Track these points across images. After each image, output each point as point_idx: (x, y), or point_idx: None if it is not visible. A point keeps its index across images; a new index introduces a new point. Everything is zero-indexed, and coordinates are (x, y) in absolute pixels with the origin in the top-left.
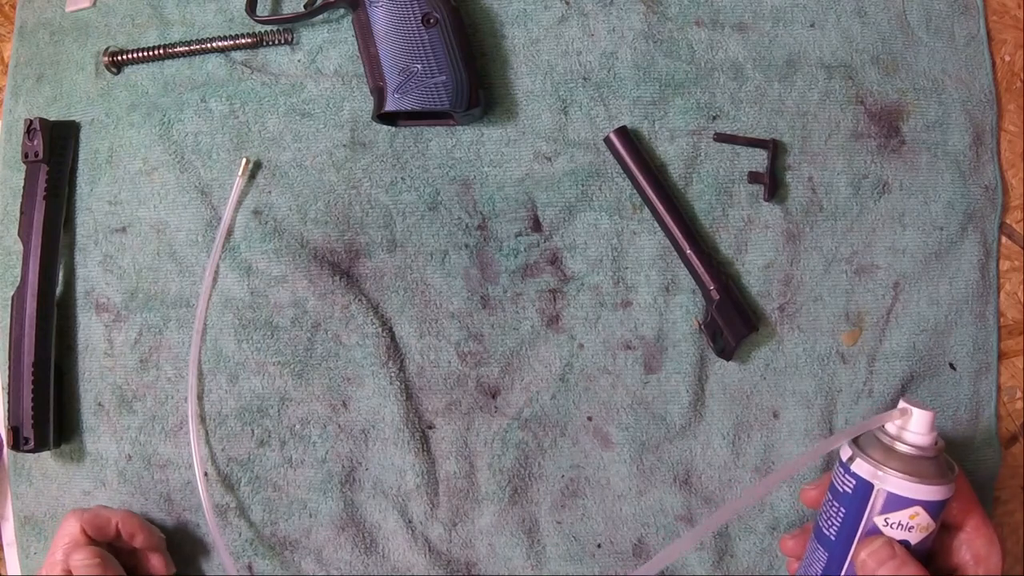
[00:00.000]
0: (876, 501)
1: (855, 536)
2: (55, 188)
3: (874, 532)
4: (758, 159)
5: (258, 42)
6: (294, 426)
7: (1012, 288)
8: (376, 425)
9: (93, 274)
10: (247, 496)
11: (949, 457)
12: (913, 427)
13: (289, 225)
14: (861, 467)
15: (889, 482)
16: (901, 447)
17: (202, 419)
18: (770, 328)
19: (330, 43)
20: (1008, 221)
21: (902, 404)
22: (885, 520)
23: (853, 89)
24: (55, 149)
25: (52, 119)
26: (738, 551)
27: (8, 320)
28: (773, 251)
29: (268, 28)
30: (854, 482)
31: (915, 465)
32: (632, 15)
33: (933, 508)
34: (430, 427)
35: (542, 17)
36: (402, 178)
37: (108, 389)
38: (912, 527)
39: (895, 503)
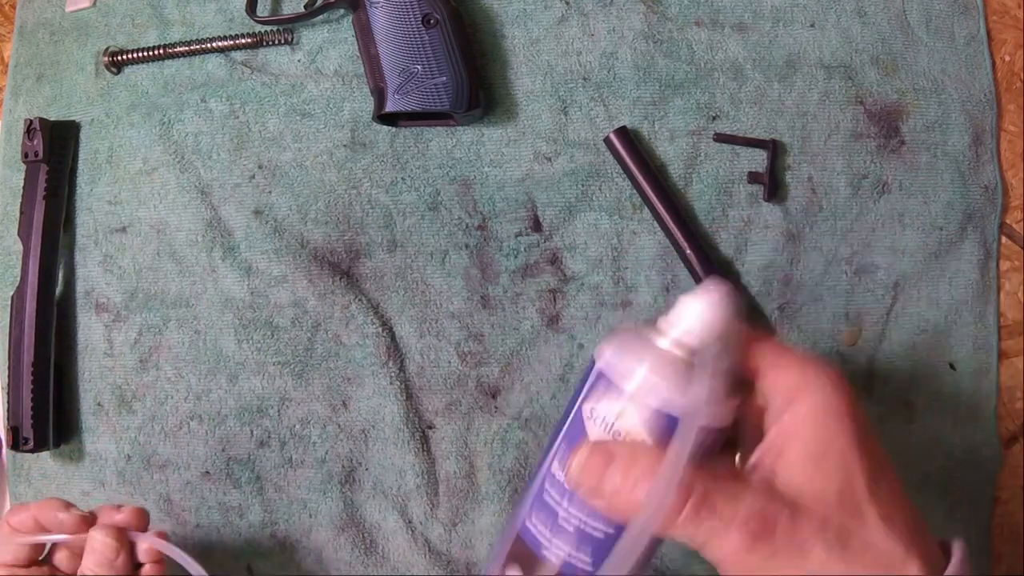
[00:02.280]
0: (593, 381)
1: (561, 428)
2: (55, 188)
3: (578, 422)
4: (758, 159)
5: (258, 42)
6: (294, 426)
7: (1012, 288)
8: (376, 425)
9: (93, 274)
10: (247, 496)
11: (726, 384)
12: (673, 315)
13: (289, 225)
14: (602, 350)
15: (608, 359)
16: (656, 338)
17: (201, 419)
18: (770, 328)
19: (330, 43)
20: (1008, 221)
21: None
22: (591, 410)
23: (853, 89)
24: (55, 149)
25: (52, 119)
26: None
27: (8, 320)
28: (773, 251)
29: (268, 28)
30: (588, 364)
31: (655, 357)
32: (632, 15)
33: (651, 419)
34: (430, 427)
35: (542, 17)
36: (402, 178)
37: (108, 389)
38: (615, 430)
39: (604, 388)
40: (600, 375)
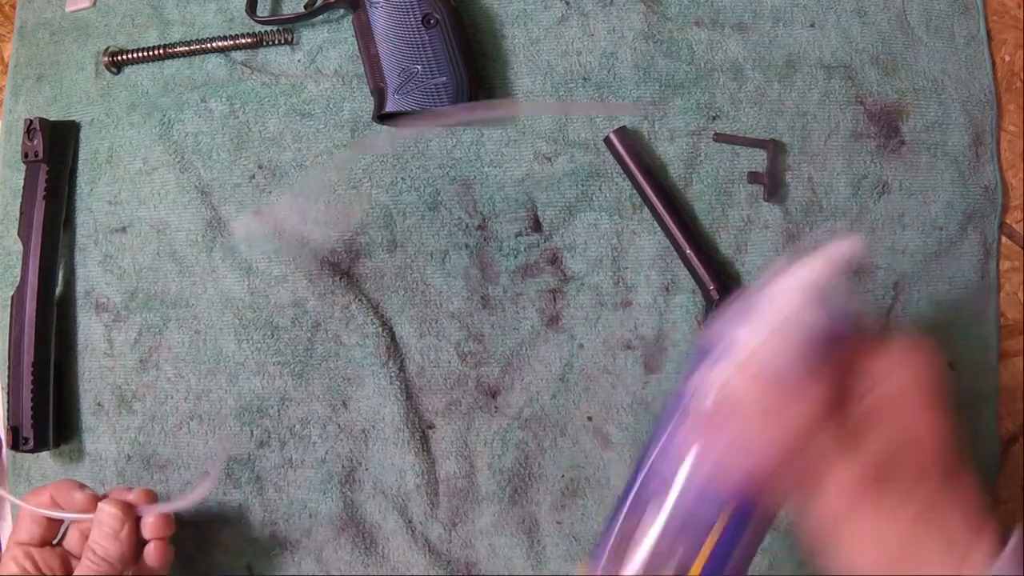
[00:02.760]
0: (697, 358)
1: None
2: (55, 188)
3: (682, 407)
4: (758, 159)
5: (258, 42)
6: (294, 426)
7: (1012, 288)
8: (376, 425)
9: (93, 274)
10: (247, 496)
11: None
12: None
13: (289, 225)
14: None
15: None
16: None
17: (201, 419)
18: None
19: (330, 43)
20: (1008, 221)
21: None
22: (696, 386)
23: (853, 89)
24: (55, 149)
25: (52, 119)
26: None
27: (8, 320)
28: (773, 251)
29: (268, 28)
30: None
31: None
32: (632, 15)
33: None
34: (430, 427)
35: (542, 17)
36: (402, 178)
37: (108, 389)
38: (725, 391)
39: (712, 357)
40: (710, 346)
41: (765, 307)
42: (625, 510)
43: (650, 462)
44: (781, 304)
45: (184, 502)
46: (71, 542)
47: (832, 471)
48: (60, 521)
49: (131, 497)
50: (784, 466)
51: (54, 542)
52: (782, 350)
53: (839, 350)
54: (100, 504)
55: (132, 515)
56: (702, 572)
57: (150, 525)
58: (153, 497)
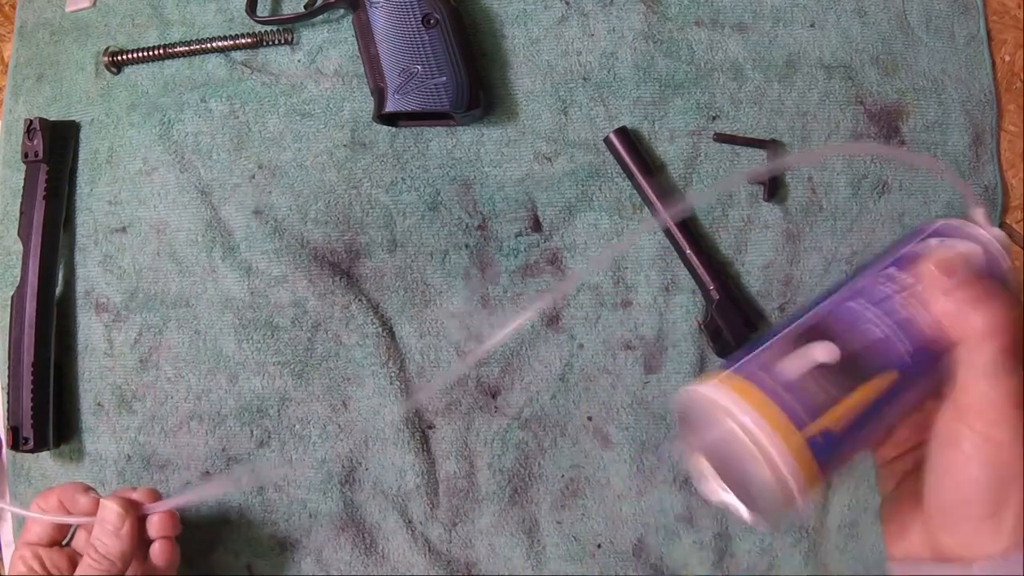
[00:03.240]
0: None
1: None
2: (55, 188)
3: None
4: (758, 159)
5: (258, 42)
6: (294, 426)
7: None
8: (376, 425)
9: (93, 274)
10: (247, 496)
11: None
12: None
13: (289, 225)
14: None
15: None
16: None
17: (201, 419)
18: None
19: (330, 43)
20: (1008, 221)
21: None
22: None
23: (853, 89)
24: (55, 149)
25: (52, 119)
26: (738, 551)
27: (8, 320)
28: (773, 251)
29: (268, 28)
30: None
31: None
32: (632, 15)
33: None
34: (430, 427)
35: (542, 17)
36: (402, 178)
37: (108, 389)
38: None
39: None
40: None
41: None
42: (801, 327)
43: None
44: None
45: (186, 498)
46: (79, 542)
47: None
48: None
49: (135, 495)
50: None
51: (63, 542)
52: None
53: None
54: (102, 501)
55: (134, 512)
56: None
57: (155, 523)
58: (157, 496)
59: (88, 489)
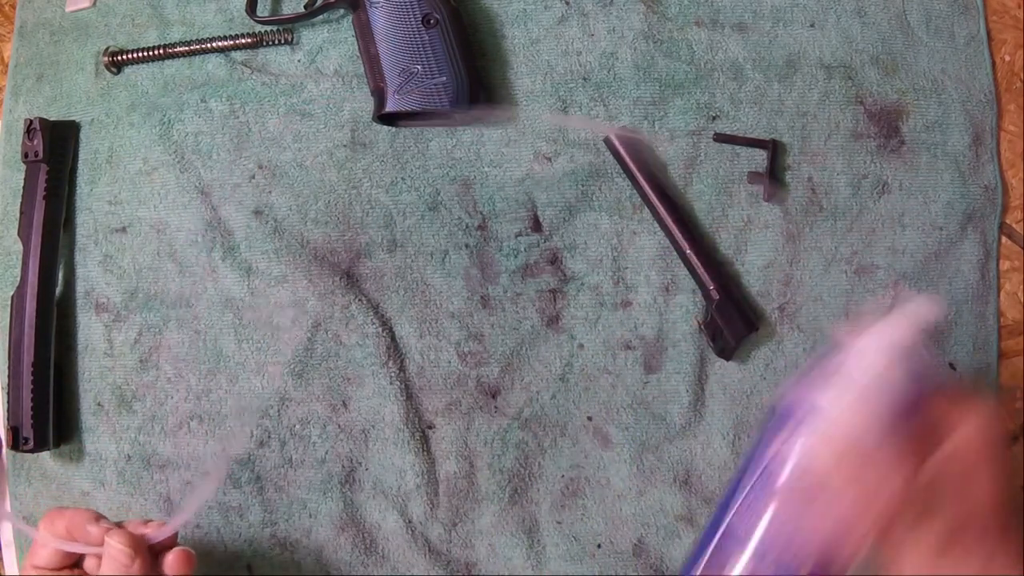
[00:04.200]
0: (778, 422)
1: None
2: (55, 188)
3: (765, 472)
4: (758, 159)
5: (258, 42)
6: (294, 426)
7: (1012, 288)
8: (376, 425)
9: (93, 274)
10: (247, 496)
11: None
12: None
13: (289, 225)
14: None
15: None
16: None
17: (201, 419)
18: (770, 328)
19: (330, 43)
20: (1008, 221)
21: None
22: (776, 453)
23: (853, 89)
24: (55, 149)
25: (52, 119)
26: None
27: (8, 320)
28: (773, 251)
29: (268, 28)
30: None
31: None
32: (632, 15)
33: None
34: (430, 427)
35: (542, 17)
36: (402, 178)
37: (108, 389)
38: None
39: (792, 425)
40: (789, 411)
41: (848, 370)
42: (700, 568)
43: (726, 523)
44: (865, 366)
45: (187, 513)
46: (90, 566)
47: (909, 538)
48: None
49: (146, 530)
50: (865, 536)
51: (72, 563)
52: (868, 416)
53: (917, 411)
54: (107, 538)
55: (144, 548)
56: None
57: (170, 563)
58: (173, 537)
59: (99, 518)
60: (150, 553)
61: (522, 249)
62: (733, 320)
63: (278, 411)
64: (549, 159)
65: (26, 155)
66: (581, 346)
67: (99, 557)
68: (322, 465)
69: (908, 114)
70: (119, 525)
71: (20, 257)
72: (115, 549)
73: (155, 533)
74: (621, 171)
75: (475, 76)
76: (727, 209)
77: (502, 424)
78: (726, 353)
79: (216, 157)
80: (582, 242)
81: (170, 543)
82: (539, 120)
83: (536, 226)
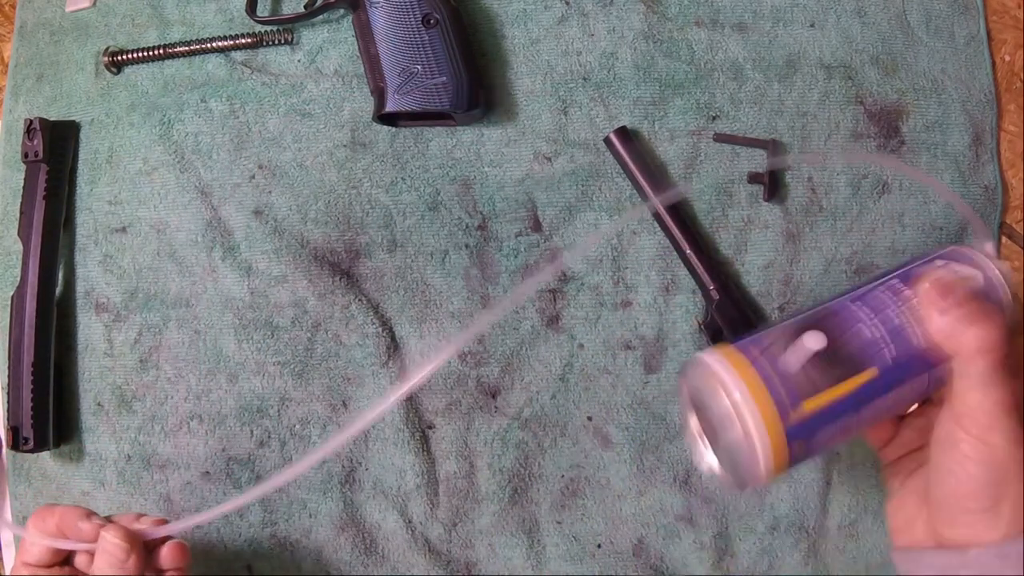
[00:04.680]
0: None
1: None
2: (55, 188)
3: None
4: (758, 159)
5: (258, 42)
6: (294, 426)
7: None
8: (376, 425)
9: (93, 274)
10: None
11: None
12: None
13: (289, 225)
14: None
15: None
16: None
17: (201, 419)
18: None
19: (330, 43)
20: (1008, 221)
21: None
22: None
23: (853, 89)
24: (55, 149)
25: (52, 119)
26: (738, 551)
27: (8, 320)
28: (773, 251)
29: (268, 28)
30: None
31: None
32: (632, 15)
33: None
34: (430, 427)
35: (542, 17)
36: (402, 178)
37: (108, 389)
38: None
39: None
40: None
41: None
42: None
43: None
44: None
45: (190, 522)
46: (81, 562)
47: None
48: None
49: (140, 525)
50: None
51: (62, 560)
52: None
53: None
54: (102, 533)
55: (139, 543)
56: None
57: (165, 556)
58: (162, 524)
59: (90, 515)
60: (144, 548)
61: (522, 249)
62: (733, 320)
63: (278, 411)
64: (549, 159)
65: (26, 155)
66: (581, 346)
67: (90, 553)
68: (322, 465)
69: (908, 114)
70: (109, 520)
71: (20, 257)
72: (110, 544)
73: (152, 531)
74: (621, 171)
75: (475, 76)
76: (727, 209)
77: (502, 424)
78: None
79: (216, 157)
80: (582, 242)
81: (163, 537)
82: (539, 120)
83: (536, 226)
